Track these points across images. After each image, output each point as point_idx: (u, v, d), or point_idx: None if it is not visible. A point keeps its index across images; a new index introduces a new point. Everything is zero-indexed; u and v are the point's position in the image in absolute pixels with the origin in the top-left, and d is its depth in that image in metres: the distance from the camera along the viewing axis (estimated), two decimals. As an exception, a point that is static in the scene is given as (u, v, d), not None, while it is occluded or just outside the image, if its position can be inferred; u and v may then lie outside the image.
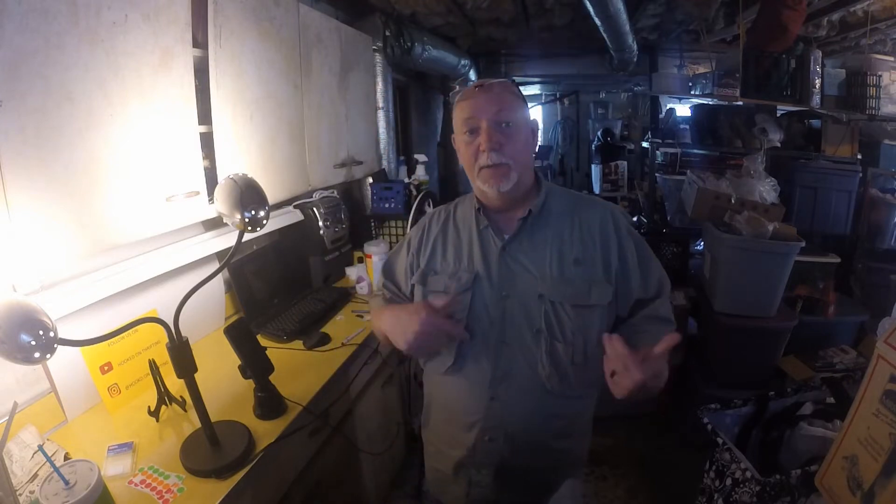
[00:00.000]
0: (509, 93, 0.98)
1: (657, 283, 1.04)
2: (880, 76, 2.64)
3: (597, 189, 5.19)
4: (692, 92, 3.37)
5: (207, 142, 1.34)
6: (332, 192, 2.21)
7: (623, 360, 0.80)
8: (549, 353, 0.97)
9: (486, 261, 1.01)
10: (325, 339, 1.62)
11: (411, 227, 1.18)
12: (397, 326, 0.95)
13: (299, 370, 1.43)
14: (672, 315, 1.05)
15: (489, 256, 1.01)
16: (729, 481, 1.40)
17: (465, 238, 1.06)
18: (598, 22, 2.62)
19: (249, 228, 1.04)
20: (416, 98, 4.23)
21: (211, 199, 1.28)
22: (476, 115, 0.95)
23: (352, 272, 2.12)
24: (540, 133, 7.54)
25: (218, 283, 1.69)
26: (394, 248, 1.21)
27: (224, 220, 1.06)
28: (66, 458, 1.06)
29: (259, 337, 1.44)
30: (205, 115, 1.31)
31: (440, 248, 1.08)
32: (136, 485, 1.00)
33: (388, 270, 1.19)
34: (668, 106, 4.16)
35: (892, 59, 2.76)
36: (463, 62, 3.94)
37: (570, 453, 1.10)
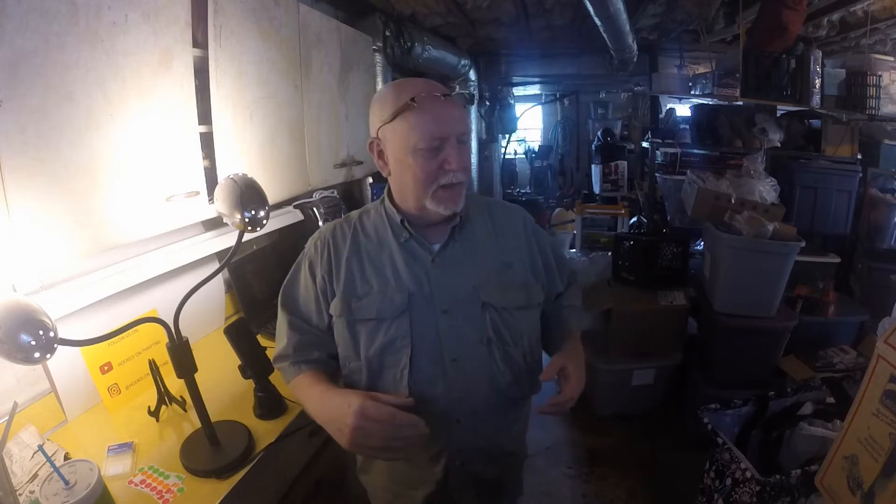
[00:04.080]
0: (463, 103, 0.92)
1: (570, 276, 1.11)
2: (880, 76, 2.64)
3: (597, 189, 5.20)
4: (692, 92, 3.36)
5: (207, 142, 1.34)
6: (332, 192, 2.20)
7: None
8: (505, 360, 0.94)
9: (415, 276, 0.92)
10: (325, 339, 1.61)
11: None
12: (330, 423, 0.83)
13: (299, 370, 1.43)
14: (580, 298, 1.15)
15: (418, 271, 0.93)
16: (729, 481, 1.40)
17: (384, 254, 0.94)
18: (598, 22, 2.61)
19: (249, 228, 1.03)
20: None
21: (211, 199, 1.28)
22: (446, 129, 0.85)
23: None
24: (540, 133, 7.62)
25: (218, 283, 1.69)
26: (288, 277, 1.01)
27: (224, 220, 1.06)
28: (66, 458, 1.06)
29: (259, 337, 1.44)
30: (205, 115, 1.31)
31: (356, 268, 0.94)
32: (136, 485, 1.00)
33: (290, 305, 0.99)
34: (668, 106, 4.15)
35: (892, 59, 2.76)
36: (463, 62, 3.94)
37: (524, 451, 1.13)
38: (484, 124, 4.87)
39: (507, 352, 0.94)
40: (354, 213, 1.02)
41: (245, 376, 1.20)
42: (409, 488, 1.00)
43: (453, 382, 0.92)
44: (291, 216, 1.97)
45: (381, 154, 0.92)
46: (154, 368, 1.23)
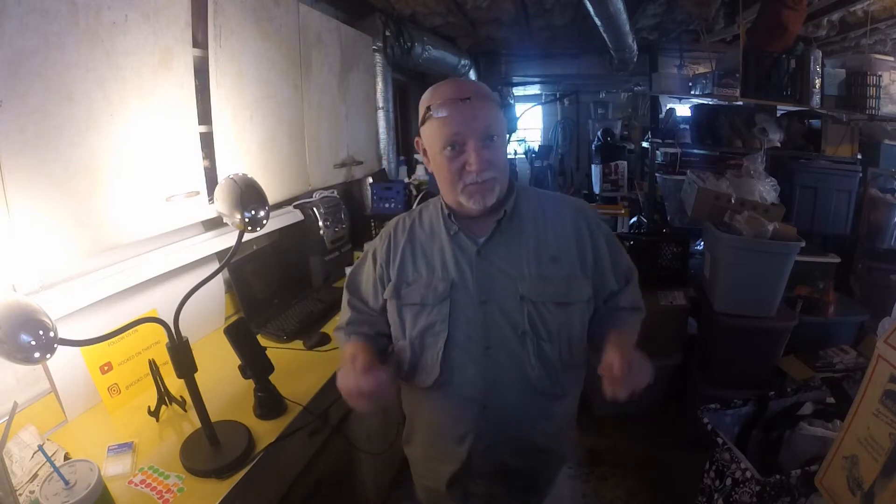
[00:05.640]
0: (491, 102, 0.93)
1: (626, 273, 1.06)
2: (880, 76, 2.64)
3: (597, 189, 5.19)
4: (692, 92, 3.36)
5: (207, 142, 1.34)
6: (332, 192, 2.21)
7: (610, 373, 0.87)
8: (538, 355, 0.96)
9: (459, 267, 0.97)
10: (325, 339, 1.62)
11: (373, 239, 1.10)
12: (340, 368, 0.95)
13: (299, 370, 1.43)
14: (640, 301, 1.08)
15: (463, 262, 0.98)
16: (729, 481, 1.40)
17: (435, 245, 1.01)
18: (598, 22, 2.62)
19: (249, 228, 1.04)
20: (416, 98, 4.22)
21: (211, 199, 1.28)
22: (463, 132, 0.89)
23: (352, 272, 2.12)
24: (540, 133, 7.63)
25: (218, 283, 1.69)
26: (355, 262, 1.14)
27: (224, 220, 1.06)
28: (66, 458, 1.06)
29: (259, 337, 1.44)
30: (205, 115, 1.31)
31: (409, 257, 1.02)
32: (136, 485, 1.00)
33: (352, 286, 1.11)
34: (668, 106, 4.16)
35: (892, 59, 2.76)
36: (463, 62, 3.94)
37: (561, 450, 1.12)
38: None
39: (542, 346, 0.96)
40: (417, 208, 1.10)
41: (245, 376, 1.20)
42: (440, 462, 1.07)
43: (484, 369, 0.96)
44: (291, 216, 1.98)
45: (425, 151, 0.99)
46: (154, 368, 1.23)
